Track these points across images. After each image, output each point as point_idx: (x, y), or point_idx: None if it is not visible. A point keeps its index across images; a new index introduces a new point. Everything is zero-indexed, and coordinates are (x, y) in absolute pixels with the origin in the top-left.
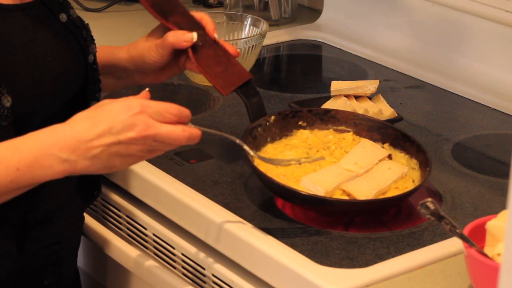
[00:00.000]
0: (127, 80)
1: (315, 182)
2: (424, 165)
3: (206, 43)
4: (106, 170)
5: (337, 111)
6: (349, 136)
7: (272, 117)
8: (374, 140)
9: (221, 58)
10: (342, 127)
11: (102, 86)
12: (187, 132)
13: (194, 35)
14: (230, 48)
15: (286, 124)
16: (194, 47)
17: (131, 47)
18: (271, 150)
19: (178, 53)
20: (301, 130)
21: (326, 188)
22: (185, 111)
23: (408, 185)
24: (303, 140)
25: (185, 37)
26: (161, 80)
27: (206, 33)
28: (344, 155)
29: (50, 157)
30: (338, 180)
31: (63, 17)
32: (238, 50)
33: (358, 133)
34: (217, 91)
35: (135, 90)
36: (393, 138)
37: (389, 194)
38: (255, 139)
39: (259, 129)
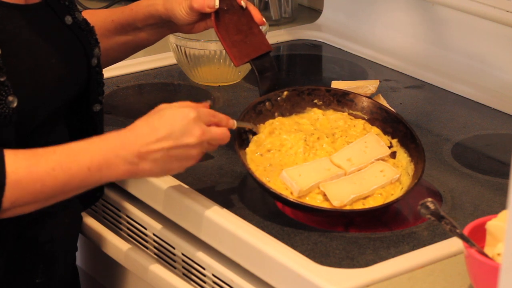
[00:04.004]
0: (164, 29)
1: (292, 178)
2: (415, 177)
3: (232, 9)
4: (164, 173)
5: (355, 95)
6: (361, 124)
7: (285, 93)
8: (386, 133)
9: (243, 27)
10: (358, 113)
11: (144, 41)
12: (228, 132)
13: (216, 2)
14: (257, 15)
15: (300, 101)
16: (219, 11)
17: (167, 0)
18: (279, 121)
19: (206, 13)
20: (314, 109)
21: (301, 186)
22: (224, 116)
23: (395, 192)
24: (313, 121)
25: (208, 3)
26: (194, 32)
27: None
28: (345, 146)
29: (117, 158)
30: (319, 177)
31: (68, 19)
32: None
33: (372, 121)
34: (230, 61)
35: (135, 91)
36: (403, 135)
37: (371, 200)
38: (260, 114)
39: (266, 103)
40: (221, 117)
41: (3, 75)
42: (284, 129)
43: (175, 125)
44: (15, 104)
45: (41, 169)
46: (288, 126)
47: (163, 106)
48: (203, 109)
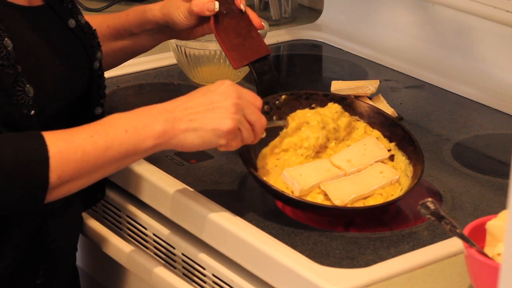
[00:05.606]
0: (160, 35)
1: (294, 178)
2: (415, 177)
3: (231, 12)
4: (199, 140)
5: (353, 100)
6: (362, 127)
7: (283, 96)
8: (385, 136)
9: (241, 30)
10: (356, 117)
11: (140, 47)
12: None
13: (216, 5)
14: (255, 19)
15: (298, 105)
16: (218, 15)
17: (164, 4)
18: (303, 114)
19: (205, 17)
20: (331, 104)
21: (303, 186)
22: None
23: (394, 193)
24: (334, 114)
25: (208, 6)
26: (192, 38)
27: (233, 2)
28: (344, 148)
29: (152, 119)
30: (320, 177)
31: (71, 22)
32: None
33: (371, 125)
34: (229, 63)
35: (135, 91)
36: (401, 138)
37: (371, 200)
38: None
39: (265, 106)
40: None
41: (18, 65)
42: (309, 126)
43: (211, 91)
44: (32, 93)
45: (80, 137)
46: (314, 121)
47: None
48: (244, 88)
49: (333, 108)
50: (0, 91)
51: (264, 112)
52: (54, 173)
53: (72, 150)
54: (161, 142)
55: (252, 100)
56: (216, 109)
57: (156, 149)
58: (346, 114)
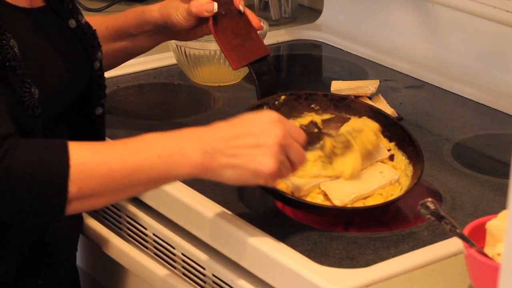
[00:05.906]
0: (159, 36)
1: (293, 178)
2: (415, 177)
3: (230, 13)
4: (237, 177)
5: (352, 99)
6: None
7: (283, 97)
8: (384, 136)
9: (241, 31)
10: (355, 117)
11: (139, 48)
12: (306, 158)
13: (215, 6)
14: (254, 20)
15: (297, 106)
16: (217, 16)
17: (163, 5)
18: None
19: (204, 17)
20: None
21: (303, 186)
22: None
23: (394, 193)
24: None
25: (207, 7)
26: (191, 39)
27: (232, 3)
28: None
29: (191, 148)
30: (320, 178)
31: (72, 23)
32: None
33: None
34: (229, 64)
35: (135, 91)
36: (400, 138)
37: (371, 200)
38: None
39: (264, 107)
40: (303, 139)
41: (24, 67)
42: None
43: (256, 124)
44: (37, 94)
45: (108, 153)
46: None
47: (246, 114)
48: (289, 121)
49: (371, 130)
50: (8, 92)
51: None
52: (74, 184)
53: (97, 164)
54: (196, 173)
55: (297, 137)
56: (260, 148)
57: (190, 177)
58: (381, 136)
